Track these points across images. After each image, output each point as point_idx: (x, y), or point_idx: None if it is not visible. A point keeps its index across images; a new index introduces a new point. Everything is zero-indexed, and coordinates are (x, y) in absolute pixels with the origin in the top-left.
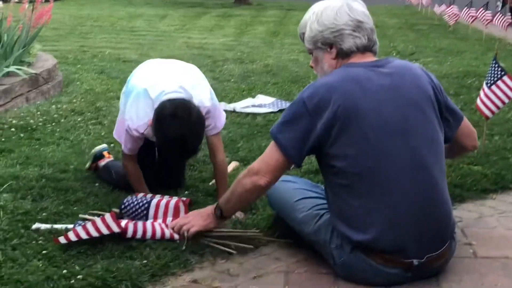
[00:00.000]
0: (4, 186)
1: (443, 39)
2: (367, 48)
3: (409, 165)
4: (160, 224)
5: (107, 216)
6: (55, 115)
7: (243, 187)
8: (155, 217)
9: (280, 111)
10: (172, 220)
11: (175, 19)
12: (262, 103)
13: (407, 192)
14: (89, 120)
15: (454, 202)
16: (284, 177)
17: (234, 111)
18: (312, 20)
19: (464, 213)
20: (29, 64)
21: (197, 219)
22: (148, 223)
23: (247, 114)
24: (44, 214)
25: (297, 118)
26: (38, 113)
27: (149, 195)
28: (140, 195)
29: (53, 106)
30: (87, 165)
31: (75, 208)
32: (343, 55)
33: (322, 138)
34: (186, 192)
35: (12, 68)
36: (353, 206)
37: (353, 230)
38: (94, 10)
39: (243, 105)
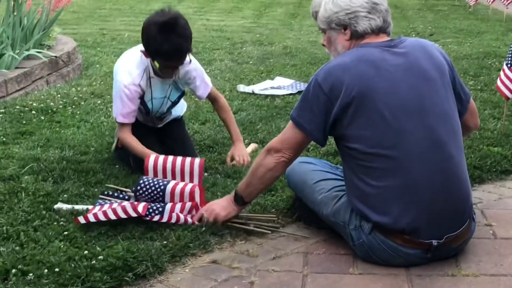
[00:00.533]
0: (26, 168)
1: (463, 20)
2: (381, 30)
3: (426, 143)
4: (177, 213)
5: (127, 205)
6: (75, 98)
7: (266, 167)
8: (172, 201)
9: (299, 92)
10: (192, 203)
11: (194, 1)
12: (280, 85)
13: (425, 171)
14: (108, 103)
15: (474, 184)
16: (303, 158)
17: (252, 93)
18: (327, 0)
19: (484, 195)
20: (49, 47)
21: (217, 210)
22: (167, 209)
23: (266, 96)
24: (65, 195)
25: (315, 99)
26: (58, 96)
27: (164, 179)
28: (156, 178)
29: (73, 89)
30: (113, 145)
31: (95, 189)
32: (357, 36)
33: (338, 119)
34: (205, 173)
35: (32, 51)
36: (371, 186)
37: (372, 210)
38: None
39: (262, 87)
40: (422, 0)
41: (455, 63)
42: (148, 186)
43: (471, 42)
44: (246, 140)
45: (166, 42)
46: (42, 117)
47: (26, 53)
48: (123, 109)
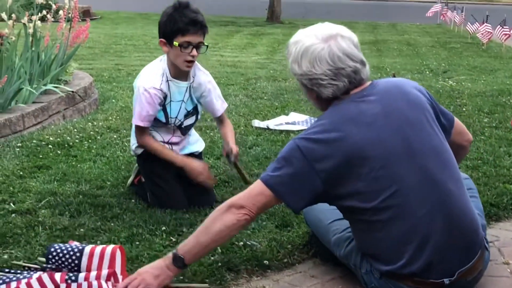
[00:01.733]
0: (43, 202)
1: (476, 57)
2: (349, 90)
3: (422, 185)
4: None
5: (45, 276)
6: (91, 132)
7: (223, 223)
8: (88, 269)
9: None
10: (109, 271)
11: (208, 38)
12: (295, 121)
13: (427, 212)
14: (124, 137)
15: (490, 221)
16: None
17: (267, 128)
18: (293, 58)
19: (500, 232)
20: (66, 82)
21: (148, 278)
22: (80, 276)
23: (281, 131)
24: (81, 230)
25: (293, 163)
26: (75, 130)
27: (79, 244)
28: (73, 244)
29: (89, 124)
30: (130, 180)
31: (112, 224)
32: (323, 99)
33: (327, 183)
34: None
35: (49, 86)
36: (377, 239)
37: (381, 262)
38: (128, 30)
39: (277, 123)
40: (435, 38)
41: (469, 100)
42: (61, 254)
43: (485, 79)
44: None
45: (183, 16)
46: (59, 151)
47: (44, 88)
48: (142, 112)
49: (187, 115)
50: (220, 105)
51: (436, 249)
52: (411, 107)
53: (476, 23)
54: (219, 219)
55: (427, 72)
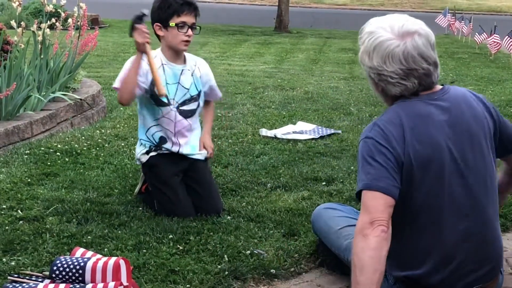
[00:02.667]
0: (50, 209)
1: (484, 68)
2: (417, 92)
3: (465, 204)
4: None
5: None
6: (99, 140)
7: (366, 251)
8: (93, 282)
9: (321, 137)
10: (115, 283)
11: (216, 47)
12: (303, 130)
13: (462, 231)
14: (132, 145)
15: None
16: (328, 204)
17: (275, 137)
18: (365, 49)
19: (509, 243)
20: (74, 90)
21: None
22: None
23: (288, 140)
24: (89, 237)
25: (375, 155)
26: (83, 137)
27: (83, 258)
28: (74, 256)
29: (97, 131)
30: (137, 188)
31: (119, 231)
32: (389, 95)
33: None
34: (228, 217)
35: (58, 94)
36: (405, 243)
37: (400, 267)
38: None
39: (284, 132)
40: (443, 48)
41: None
42: (65, 266)
43: (493, 90)
44: (269, 185)
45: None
46: (67, 159)
47: (52, 95)
48: (122, 74)
49: (190, 100)
50: (216, 93)
51: (459, 269)
52: (475, 123)
53: (484, 33)
54: (362, 251)
55: None
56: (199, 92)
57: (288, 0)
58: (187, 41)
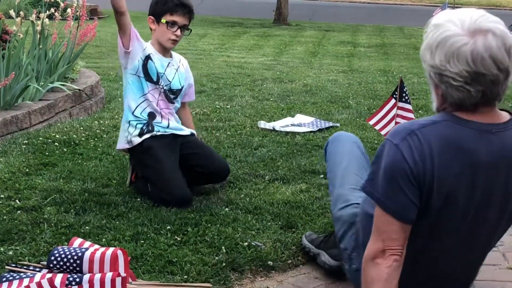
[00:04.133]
0: (48, 200)
1: None
2: (478, 104)
3: (466, 250)
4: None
5: (43, 282)
6: (98, 131)
7: (379, 279)
8: (91, 273)
9: (319, 130)
10: (113, 273)
11: (215, 38)
12: (301, 122)
13: (450, 266)
14: None
15: None
16: (357, 138)
17: (273, 130)
18: (428, 43)
19: (505, 237)
20: (73, 80)
21: None
22: (85, 279)
23: (287, 133)
24: (87, 227)
25: (398, 171)
26: (81, 128)
27: (81, 248)
28: (72, 247)
29: (96, 122)
30: (128, 180)
31: (117, 222)
32: (448, 102)
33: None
34: (226, 209)
35: (56, 84)
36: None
37: None
38: (136, 29)
39: (282, 124)
40: None
41: None
42: (63, 256)
43: None
44: (267, 177)
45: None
46: (65, 149)
47: (50, 85)
48: None
49: (171, 91)
50: (191, 95)
51: None
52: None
53: None
54: (372, 282)
55: None
56: (182, 88)
57: None
58: (174, 40)
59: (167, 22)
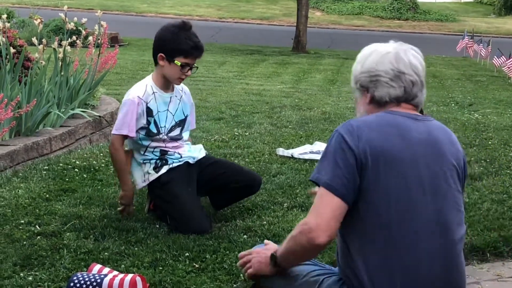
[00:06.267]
0: (68, 225)
1: (502, 91)
2: (401, 100)
3: (434, 225)
4: None
5: None
6: None
7: (299, 245)
8: None
9: None
10: None
11: (234, 66)
12: (320, 150)
13: (428, 252)
14: None
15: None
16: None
17: (292, 157)
18: (358, 60)
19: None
20: (93, 107)
21: (257, 258)
22: None
23: (305, 160)
24: (106, 254)
25: (338, 152)
26: (101, 154)
27: (100, 274)
28: (91, 273)
29: None
30: (146, 207)
31: (135, 248)
32: (376, 102)
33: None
34: (245, 236)
35: (77, 110)
36: (371, 264)
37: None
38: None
39: (301, 151)
40: (461, 70)
41: (495, 134)
42: (82, 282)
43: (511, 113)
44: (286, 204)
45: (189, 39)
46: (85, 175)
47: (71, 112)
48: (121, 121)
49: (174, 126)
50: (194, 121)
51: None
52: (453, 152)
53: (503, 56)
54: (295, 241)
55: (453, 104)
56: (186, 117)
57: (306, 21)
58: (183, 79)
59: (180, 65)
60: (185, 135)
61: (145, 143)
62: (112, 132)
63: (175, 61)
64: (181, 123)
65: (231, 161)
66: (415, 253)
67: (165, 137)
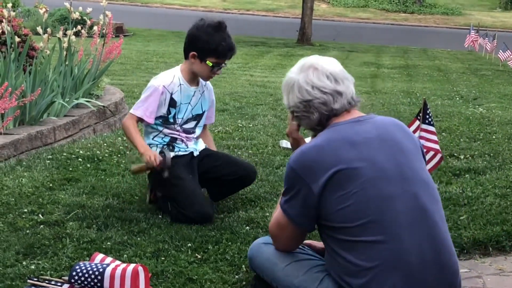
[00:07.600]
0: (71, 215)
1: (507, 85)
2: (331, 115)
3: (412, 210)
4: None
5: None
6: (121, 147)
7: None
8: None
9: None
10: None
11: (238, 57)
12: None
13: (415, 239)
14: None
15: None
16: (268, 238)
17: None
18: (284, 87)
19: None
20: (98, 97)
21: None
22: None
23: None
24: (108, 243)
25: (294, 186)
26: (105, 144)
27: (102, 264)
28: (94, 262)
29: (119, 138)
30: (147, 198)
31: (138, 238)
32: (313, 128)
33: (320, 198)
34: (247, 227)
35: (81, 100)
36: (361, 266)
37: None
38: (160, 47)
39: None
40: (466, 64)
41: (499, 128)
42: (84, 271)
43: None
44: None
45: (223, 41)
46: (88, 165)
47: (75, 101)
48: (143, 104)
49: (190, 119)
50: (213, 116)
51: (422, 282)
52: (405, 138)
53: (508, 50)
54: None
55: (457, 98)
56: (203, 112)
57: (311, 13)
58: (212, 77)
59: (212, 65)
60: (198, 130)
61: (159, 128)
62: (129, 111)
63: (207, 61)
64: (197, 118)
65: (227, 153)
66: (404, 244)
67: (179, 127)
